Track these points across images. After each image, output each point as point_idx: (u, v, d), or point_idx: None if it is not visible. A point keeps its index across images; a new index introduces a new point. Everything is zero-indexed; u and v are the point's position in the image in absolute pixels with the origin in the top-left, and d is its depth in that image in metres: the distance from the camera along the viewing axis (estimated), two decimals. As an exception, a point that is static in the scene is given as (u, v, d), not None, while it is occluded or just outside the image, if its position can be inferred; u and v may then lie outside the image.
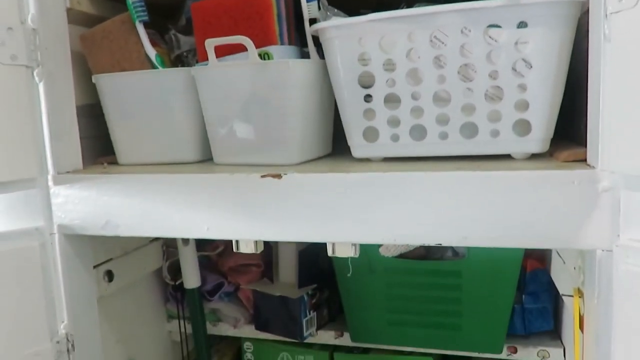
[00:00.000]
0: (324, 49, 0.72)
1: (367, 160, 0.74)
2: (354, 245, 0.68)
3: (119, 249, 0.97)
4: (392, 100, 0.69)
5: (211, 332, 1.15)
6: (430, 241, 0.63)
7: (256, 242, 0.71)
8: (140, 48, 0.83)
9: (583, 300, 0.65)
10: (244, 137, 0.75)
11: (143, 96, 0.81)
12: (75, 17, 0.86)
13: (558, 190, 0.57)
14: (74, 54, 0.81)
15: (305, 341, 1.08)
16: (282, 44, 0.78)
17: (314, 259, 1.09)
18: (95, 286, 0.87)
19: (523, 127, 0.65)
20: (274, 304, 1.06)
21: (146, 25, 0.83)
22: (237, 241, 0.72)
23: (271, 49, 0.75)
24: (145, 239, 1.05)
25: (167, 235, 0.74)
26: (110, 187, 0.75)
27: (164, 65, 0.84)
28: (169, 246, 1.11)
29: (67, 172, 0.79)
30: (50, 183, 0.77)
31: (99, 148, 0.90)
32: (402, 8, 0.69)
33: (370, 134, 0.71)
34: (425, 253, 0.97)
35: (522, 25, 0.62)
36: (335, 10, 0.78)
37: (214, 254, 1.16)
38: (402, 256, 0.95)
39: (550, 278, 0.97)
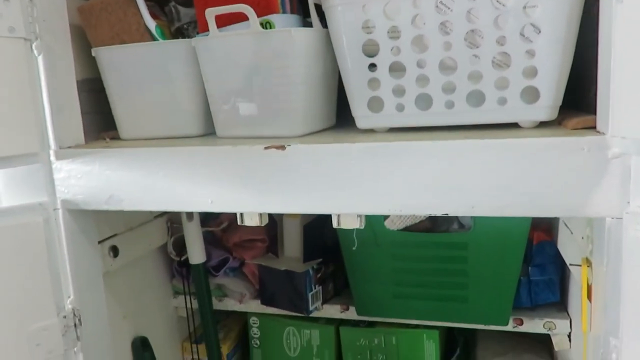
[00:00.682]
0: (326, 17, 0.70)
1: (371, 131, 0.73)
2: (360, 216, 0.67)
3: (123, 225, 0.96)
4: (397, 69, 0.68)
5: (217, 308, 1.16)
6: (437, 211, 0.62)
7: (261, 215, 0.71)
8: (140, 20, 0.81)
9: (591, 269, 0.65)
10: (247, 109, 0.74)
11: (144, 69, 0.80)
12: (72, -11, 0.84)
13: (567, 157, 0.56)
14: (73, 27, 0.80)
15: (311, 315, 1.08)
16: (284, 12, 0.76)
17: (319, 233, 1.09)
18: (100, 261, 0.87)
19: (531, 95, 0.64)
20: (279, 279, 1.06)
21: (145, -4, 0.82)
22: (241, 214, 0.72)
23: (273, 18, 0.74)
24: (149, 214, 1.05)
25: (171, 209, 0.73)
26: (112, 161, 0.74)
27: (164, 37, 0.82)
28: (174, 222, 1.11)
29: (69, 147, 0.78)
30: (53, 158, 0.76)
31: (101, 124, 0.89)
32: (407, -27, 0.67)
33: (375, 104, 0.70)
34: (431, 226, 0.96)
35: (530, -12, 0.60)
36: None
37: (219, 229, 1.15)
38: (407, 229, 0.94)
39: (557, 250, 0.96)
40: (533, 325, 0.98)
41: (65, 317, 0.79)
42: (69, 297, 0.80)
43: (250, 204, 0.69)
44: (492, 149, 0.59)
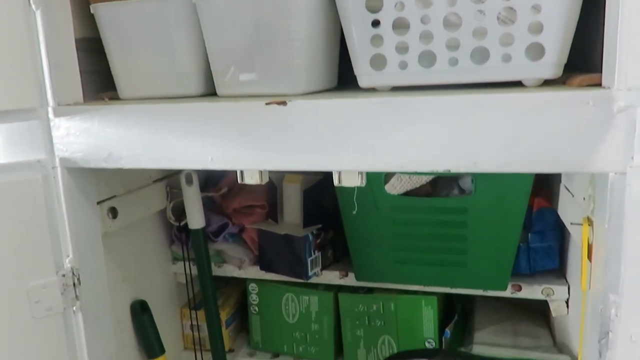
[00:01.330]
0: (330, -29, 0.69)
1: (373, 90, 0.72)
2: (361, 173, 0.67)
3: (122, 187, 0.96)
4: (400, 25, 0.67)
5: (216, 274, 1.16)
6: (439, 167, 0.62)
7: (261, 173, 0.70)
8: (139, -24, 0.80)
9: (592, 228, 0.65)
10: (247, 67, 0.73)
11: (144, 26, 0.79)
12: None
13: (572, 111, 0.56)
14: (70, -17, 0.78)
15: (310, 282, 1.09)
16: (286, -33, 0.74)
17: (318, 200, 1.09)
18: (99, 222, 0.87)
19: (536, 51, 0.63)
20: (278, 243, 1.06)
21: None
22: (241, 172, 0.71)
23: (275, -27, 0.72)
24: (147, 178, 1.04)
25: (171, 167, 0.73)
26: (111, 118, 0.73)
27: (164, -6, 0.81)
28: (173, 187, 1.11)
29: (68, 104, 0.77)
30: (51, 115, 0.76)
31: (99, 84, 0.88)
32: None
33: (378, 62, 0.69)
34: (432, 191, 0.96)
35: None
36: None
37: (218, 194, 1.15)
38: (408, 194, 0.94)
39: (557, 217, 0.96)
40: (531, 291, 0.98)
41: (64, 275, 0.79)
42: (68, 256, 0.79)
43: (250, 161, 0.68)
44: (496, 104, 0.58)
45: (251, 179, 0.71)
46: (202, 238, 1.08)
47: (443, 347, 1.06)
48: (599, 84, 0.59)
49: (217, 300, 1.15)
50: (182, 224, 1.11)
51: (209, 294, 1.12)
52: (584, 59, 0.71)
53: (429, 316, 1.06)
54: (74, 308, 0.80)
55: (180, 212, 1.11)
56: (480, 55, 0.65)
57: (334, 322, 1.14)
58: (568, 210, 0.83)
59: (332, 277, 1.10)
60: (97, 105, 0.74)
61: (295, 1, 0.68)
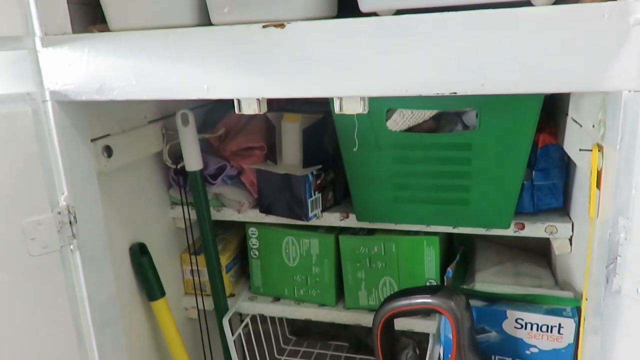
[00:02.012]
0: None
1: (374, 15, 0.69)
2: (363, 99, 0.64)
3: (117, 126, 0.93)
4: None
5: (215, 218, 1.14)
6: (445, 90, 0.59)
7: (259, 101, 0.68)
8: None
9: (602, 154, 0.62)
10: (243, -8, 0.69)
11: (132, -49, 0.75)
12: None
13: (586, 25, 0.53)
14: None
15: (310, 224, 1.07)
16: None
17: (318, 139, 1.06)
18: (94, 160, 0.85)
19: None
20: (277, 184, 1.04)
21: None
22: (239, 101, 0.69)
23: None
24: (143, 118, 1.02)
25: (166, 97, 0.70)
26: (103, 48, 0.70)
27: None
28: (169, 129, 1.08)
29: (55, 34, 0.74)
30: (38, 45, 0.72)
31: (89, 15, 0.85)
32: None
33: (380, -17, 0.65)
34: (435, 127, 0.93)
35: None
36: None
37: (215, 136, 1.13)
38: (410, 130, 0.92)
39: (562, 154, 0.94)
40: (535, 229, 0.97)
41: (59, 213, 0.77)
42: (63, 193, 0.78)
43: (248, 89, 0.66)
44: (504, 20, 0.55)
45: (249, 108, 0.68)
46: (200, 180, 1.06)
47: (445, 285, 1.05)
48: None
49: (216, 244, 1.14)
50: (179, 166, 1.09)
51: (208, 237, 1.11)
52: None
53: (430, 257, 1.06)
54: (72, 246, 0.79)
55: (177, 155, 1.09)
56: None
57: (335, 265, 1.13)
58: (574, 142, 0.81)
59: (332, 218, 1.08)
60: (87, 34, 0.71)
61: None
